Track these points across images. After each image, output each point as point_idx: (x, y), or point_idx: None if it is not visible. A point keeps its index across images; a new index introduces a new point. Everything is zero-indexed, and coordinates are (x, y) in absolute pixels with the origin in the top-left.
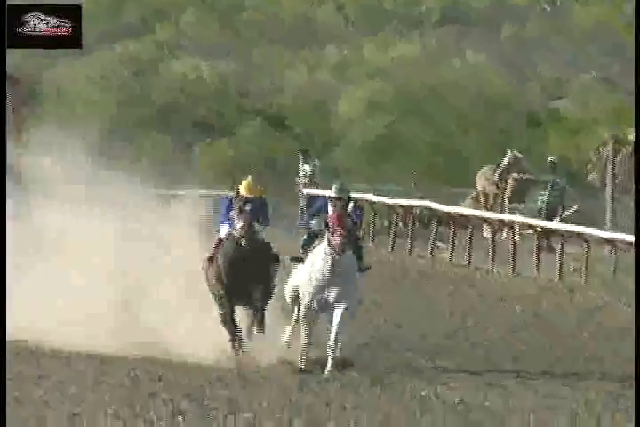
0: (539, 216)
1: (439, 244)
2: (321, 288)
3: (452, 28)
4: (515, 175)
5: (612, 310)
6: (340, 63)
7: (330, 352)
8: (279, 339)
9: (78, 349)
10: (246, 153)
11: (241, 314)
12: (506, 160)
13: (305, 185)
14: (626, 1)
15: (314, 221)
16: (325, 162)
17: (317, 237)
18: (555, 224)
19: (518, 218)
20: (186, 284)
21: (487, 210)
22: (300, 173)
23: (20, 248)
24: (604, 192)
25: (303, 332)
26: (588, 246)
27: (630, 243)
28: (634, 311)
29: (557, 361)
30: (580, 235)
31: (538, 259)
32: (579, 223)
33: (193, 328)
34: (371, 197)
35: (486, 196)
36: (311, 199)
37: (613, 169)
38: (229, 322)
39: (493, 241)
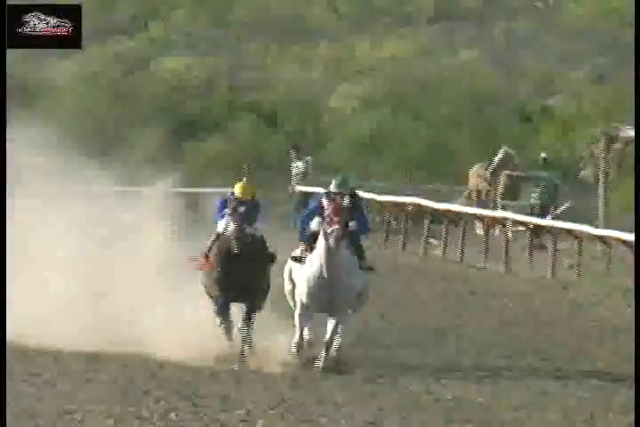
0: (531, 213)
1: (431, 241)
2: (318, 284)
3: (443, 25)
4: (507, 172)
5: (605, 306)
6: (331, 60)
7: (323, 350)
8: (273, 338)
9: (63, 346)
10: (237, 149)
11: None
12: (498, 157)
13: (298, 182)
14: None
15: (314, 224)
16: (317, 158)
17: (316, 235)
18: (547, 221)
19: (511, 215)
20: (159, 279)
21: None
22: (293, 171)
23: None
24: (596, 189)
25: (297, 331)
26: (580, 243)
27: (621, 240)
28: (634, 311)
29: (550, 358)
30: (572, 232)
31: (530, 256)
32: (571, 220)
33: (173, 325)
34: (361, 193)
35: (479, 193)
36: (306, 197)
37: (605, 166)
38: (223, 320)
39: (486, 238)
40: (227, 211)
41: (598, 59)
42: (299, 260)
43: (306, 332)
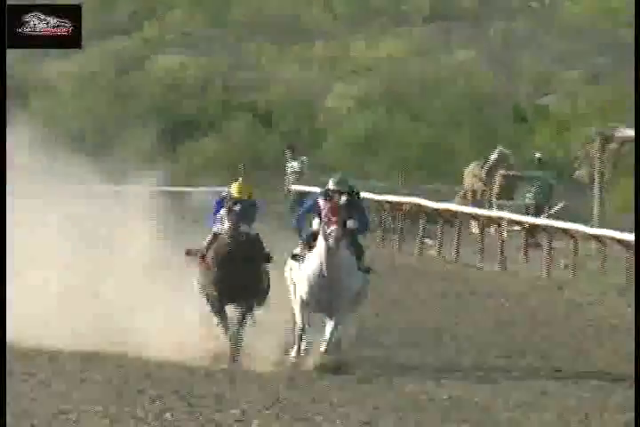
0: (526, 213)
1: (427, 240)
2: (318, 286)
3: (439, 25)
4: (502, 172)
5: (601, 305)
6: (327, 59)
7: (322, 348)
8: (268, 338)
9: (57, 345)
10: (232, 149)
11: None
12: (493, 157)
13: (293, 182)
14: None
15: (314, 224)
16: (312, 158)
17: (316, 235)
18: (542, 220)
19: (506, 214)
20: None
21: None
22: (288, 170)
23: None
24: (591, 189)
25: (297, 330)
26: (575, 243)
27: (617, 239)
28: (634, 311)
29: (547, 357)
30: (567, 231)
31: (526, 255)
32: (566, 220)
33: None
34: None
35: (474, 193)
36: (301, 197)
37: (600, 165)
38: (221, 320)
39: (481, 238)
40: (222, 211)
41: (594, 59)
42: (298, 258)
43: (304, 337)
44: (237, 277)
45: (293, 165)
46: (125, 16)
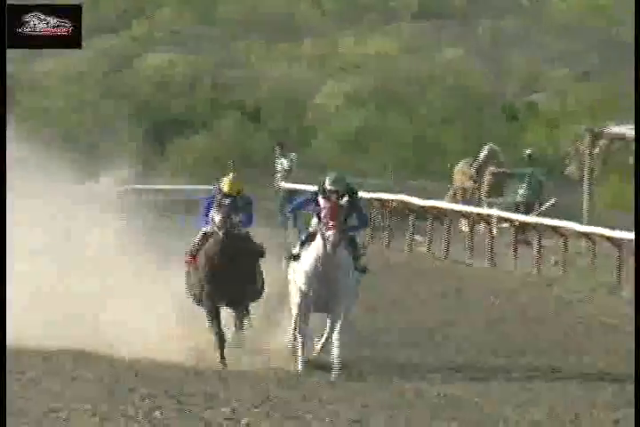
0: (516, 210)
1: (416, 237)
2: (316, 285)
3: (429, 22)
4: (492, 169)
5: (591, 303)
6: (316, 57)
7: (335, 354)
8: (266, 339)
9: (51, 344)
10: (222, 147)
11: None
12: (483, 154)
13: (282, 179)
14: None
15: (313, 223)
16: (302, 156)
17: (314, 235)
18: (532, 218)
19: (495, 212)
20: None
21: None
22: (278, 168)
23: None
24: (581, 185)
25: (296, 331)
26: (565, 240)
27: (606, 236)
28: (634, 311)
29: (537, 354)
30: (557, 228)
31: (515, 252)
32: (556, 217)
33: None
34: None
35: (464, 192)
36: (291, 194)
37: (590, 162)
38: (214, 322)
39: (471, 235)
40: (212, 212)
41: (583, 56)
42: (296, 258)
43: (299, 338)
44: (230, 275)
45: (283, 163)
46: (114, 14)
